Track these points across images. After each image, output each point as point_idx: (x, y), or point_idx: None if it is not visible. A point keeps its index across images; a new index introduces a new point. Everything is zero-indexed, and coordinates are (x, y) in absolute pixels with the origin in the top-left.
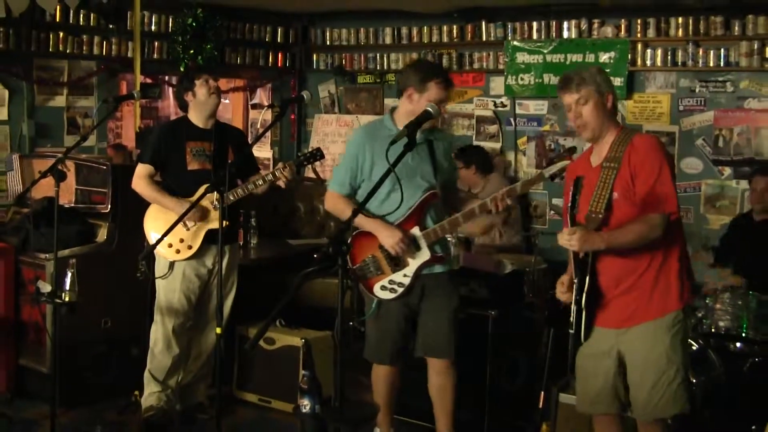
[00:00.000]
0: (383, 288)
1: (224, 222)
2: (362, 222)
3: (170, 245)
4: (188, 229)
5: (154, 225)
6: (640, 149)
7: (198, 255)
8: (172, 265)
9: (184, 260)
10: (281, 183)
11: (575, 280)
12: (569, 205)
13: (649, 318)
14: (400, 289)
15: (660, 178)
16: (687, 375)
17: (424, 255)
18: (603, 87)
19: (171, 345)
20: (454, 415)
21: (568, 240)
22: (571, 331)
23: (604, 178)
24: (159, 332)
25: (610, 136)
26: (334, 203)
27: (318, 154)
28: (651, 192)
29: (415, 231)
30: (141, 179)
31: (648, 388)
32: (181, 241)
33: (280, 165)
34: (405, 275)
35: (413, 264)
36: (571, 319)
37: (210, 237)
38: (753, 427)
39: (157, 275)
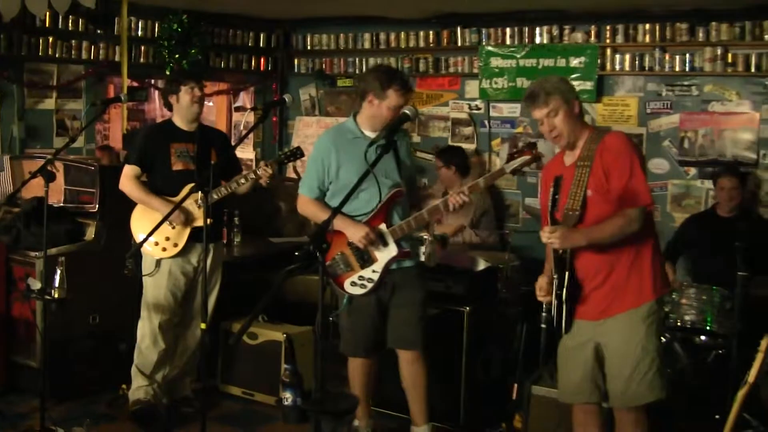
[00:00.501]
0: (353, 284)
1: (208, 220)
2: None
3: (157, 243)
4: (174, 228)
5: (140, 224)
6: (611, 147)
7: (183, 253)
8: (158, 262)
9: (171, 258)
10: (263, 181)
11: (555, 277)
12: (549, 204)
13: (624, 309)
14: (370, 285)
15: (633, 173)
16: (661, 363)
17: (392, 250)
18: (568, 95)
19: (157, 340)
20: (428, 405)
21: (549, 238)
22: (544, 326)
23: (579, 176)
24: (146, 328)
25: (583, 138)
26: (306, 207)
27: (298, 153)
28: (626, 188)
29: (383, 227)
30: (128, 180)
31: (625, 376)
32: (167, 239)
33: (261, 163)
34: (374, 271)
35: (381, 259)
36: (553, 313)
37: (195, 235)
38: (716, 416)
39: (144, 273)
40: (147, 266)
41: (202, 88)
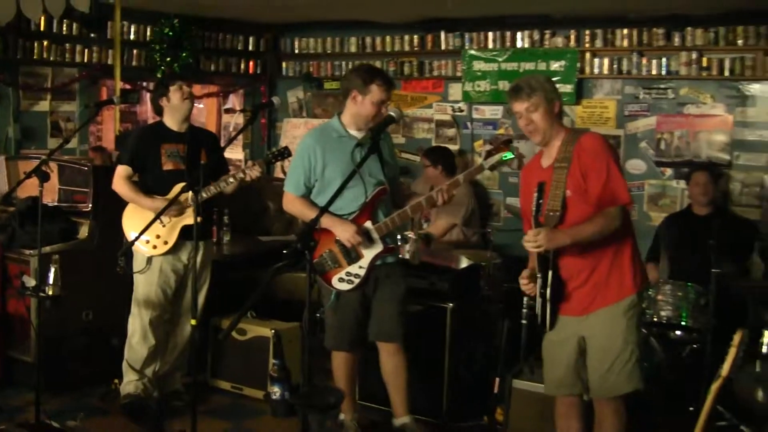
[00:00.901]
0: (341, 280)
1: (198, 218)
2: (322, 219)
3: (147, 241)
4: (164, 226)
5: (131, 223)
6: (588, 148)
7: (174, 250)
8: (149, 260)
9: (161, 255)
10: (249, 177)
11: (538, 276)
12: (533, 209)
13: (607, 303)
14: (357, 280)
15: (610, 174)
16: (641, 355)
17: (377, 247)
18: (551, 95)
19: (147, 336)
20: (408, 397)
21: (534, 241)
22: (524, 322)
23: (557, 177)
24: (136, 324)
25: (559, 138)
26: (292, 204)
27: (285, 153)
28: (605, 188)
29: (368, 225)
30: (120, 180)
31: (606, 367)
32: (158, 237)
33: (249, 163)
34: (360, 267)
35: (368, 256)
36: (537, 311)
37: (185, 233)
38: (691, 408)
39: (135, 270)
40: (138, 264)
41: (190, 86)
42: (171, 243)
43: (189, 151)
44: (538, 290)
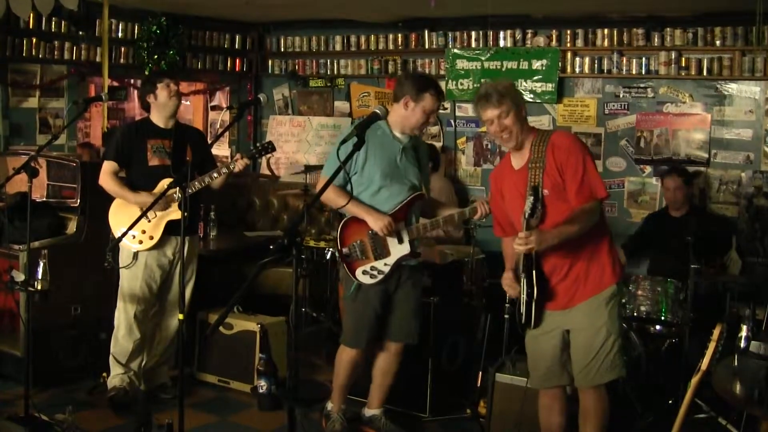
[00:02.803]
0: (364, 272)
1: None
2: (354, 209)
3: (134, 236)
4: (150, 221)
5: (118, 218)
6: (561, 146)
7: (159, 245)
8: (135, 255)
9: (146, 250)
10: (236, 169)
11: (522, 275)
12: (528, 211)
13: (588, 296)
14: (379, 276)
15: (586, 169)
16: (622, 344)
17: (405, 248)
18: (518, 99)
19: (132, 330)
20: (387, 393)
21: (525, 243)
22: (507, 317)
23: (533, 177)
24: (121, 318)
25: (529, 140)
26: (327, 191)
27: (269, 147)
28: (582, 183)
29: (401, 225)
30: (106, 176)
31: (591, 358)
32: (143, 232)
33: (238, 155)
34: (386, 264)
35: (394, 255)
36: (522, 310)
37: (170, 228)
38: (670, 402)
39: (121, 265)
40: (124, 258)
41: (177, 83)
42: (156, 238)
43: (175, 147)
44: (524, 290)
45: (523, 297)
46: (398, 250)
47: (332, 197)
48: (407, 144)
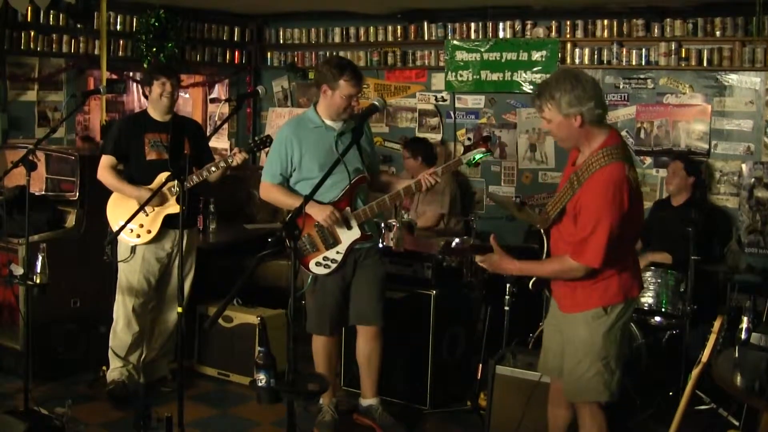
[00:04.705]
0: (318, 264)
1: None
2: (296, 204)
3: (131, 230)
4: (147, 215)
5: (115, 212)
6: (592, 190)
7: (157, 239)
8: (133, 248)
9: (144, 244)
10: (234, 163)
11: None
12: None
13: (577, 309)
14: (333, 265)
15: (594, 231)
16: (604, 368)
17: (355, 233)
18: (566, 109)
19: (131, 323)
20: (379, 380)
21: (482, 261)
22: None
23: (566, 189)
24: (120, 311)
25: (587, 150)
26: (270, 192)
27: (268, 141)
28: (583, 240)
29: (347, 211)
30: (104, 170)
31: (567, 371)
32: (141, 226)
33: (236, 150)
34: (338, 252)
35: (345, 241)
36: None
37: (168, 222)
38: (670, 393)
39: (119, 259)
40: (122, 252)
41: (174, 84)
42: (154, 232)
43: (172, 140)
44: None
45: None
46: (348, 236)
47: (277, 197)
48: (343, 129)
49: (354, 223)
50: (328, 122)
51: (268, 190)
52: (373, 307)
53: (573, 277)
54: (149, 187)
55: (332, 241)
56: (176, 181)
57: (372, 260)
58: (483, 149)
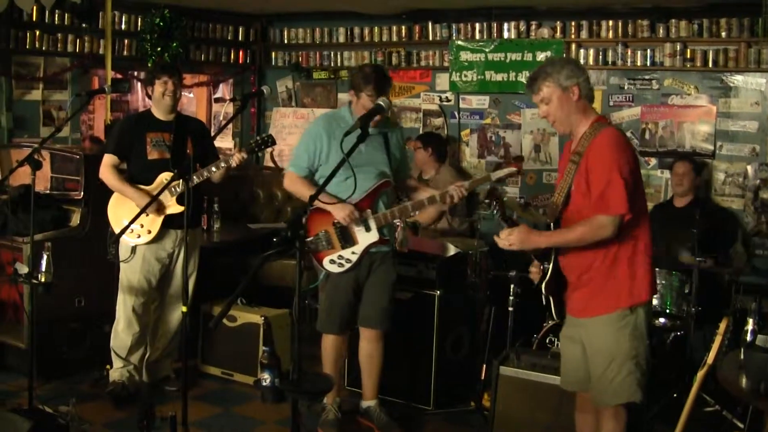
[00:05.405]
0: (332, 261)
1: (183, 207)
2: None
3: (132, 230)
4: (147, 215)
5: (117, 212)
6: (597, 149)
7: (157, 239)
8: (134, 248)
9: (145, 244)
10: (234, 164)
11: (542, 267)
12: (498, 212)
13: (598, 313)
14: (347, 265)
15: (611, 181)
16: (635, 367)
17: (373, 236)
18: (565, 82)
19: (132, 323)
20: (379, 381)
21: (506, 240)
22: (511, 309)
23: (569, 170)
24: (121, 311)
25: (582, 128)
26: (294, 183)
27: (269, 140)
28: (602, 195)
29: (368, 212)
30: (106, 169)
31: (597, 377)
32: (141, 226)
33: (236, 150)
34: (353, 252)
35: (362, 243)
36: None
37: (168, 222)
38: (675, 395)
39: (120, 259)
40: (123, 252)
41: (176, 83)
42: (155, 232)
43: (175, 139)
44: (544, 280)
45: (543, 288)
46: (366, 238)
47: (299, 188)
48: (372, 132)
49: (373, 226)
50: None
51: (293, 181)
52: (380, 312)
53: (603, 236)
54: (149, 189)
55: (349, 241)
56: (178, 181)
57: (386, 265)
58: (513, 168)
